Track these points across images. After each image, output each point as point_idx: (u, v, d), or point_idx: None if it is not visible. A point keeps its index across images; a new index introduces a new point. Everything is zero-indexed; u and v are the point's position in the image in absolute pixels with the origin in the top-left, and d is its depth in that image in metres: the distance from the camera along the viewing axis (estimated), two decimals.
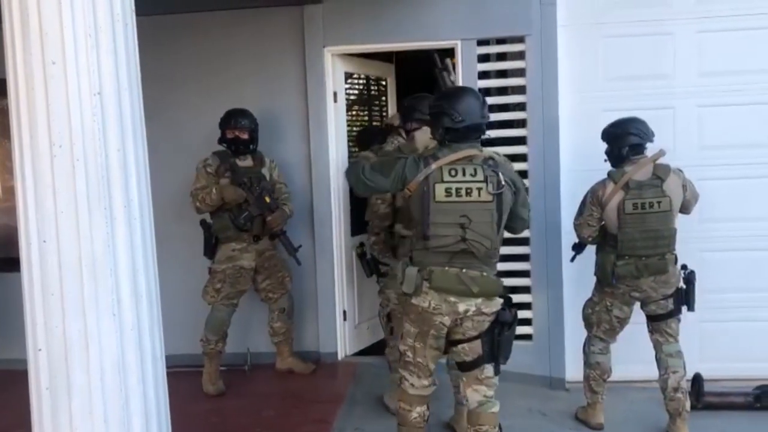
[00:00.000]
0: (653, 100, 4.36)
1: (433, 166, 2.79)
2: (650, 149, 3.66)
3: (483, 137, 2.98)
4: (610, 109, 4.13)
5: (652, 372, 3.74)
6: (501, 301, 2.88)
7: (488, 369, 2.88)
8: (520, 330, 4.52)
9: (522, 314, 4.52)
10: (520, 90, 4.48)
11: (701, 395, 3.99)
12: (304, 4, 4.53)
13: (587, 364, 3.83)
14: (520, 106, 4.48)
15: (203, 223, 4.29)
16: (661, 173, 3.55)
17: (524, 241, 4.51)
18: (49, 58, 1.98)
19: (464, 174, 2.77)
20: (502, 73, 4.72)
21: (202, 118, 4.62)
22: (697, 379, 4.02)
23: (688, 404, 3.64)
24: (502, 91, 4.60)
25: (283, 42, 4.65)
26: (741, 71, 4.35)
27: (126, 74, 2.12)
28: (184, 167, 4.40)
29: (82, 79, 2.01)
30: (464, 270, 2.79)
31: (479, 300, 2.81)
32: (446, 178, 2.77)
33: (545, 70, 4.38)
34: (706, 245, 4.40)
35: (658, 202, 3.52)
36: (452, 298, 2.80)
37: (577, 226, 3.76)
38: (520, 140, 4.49)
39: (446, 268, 2.80)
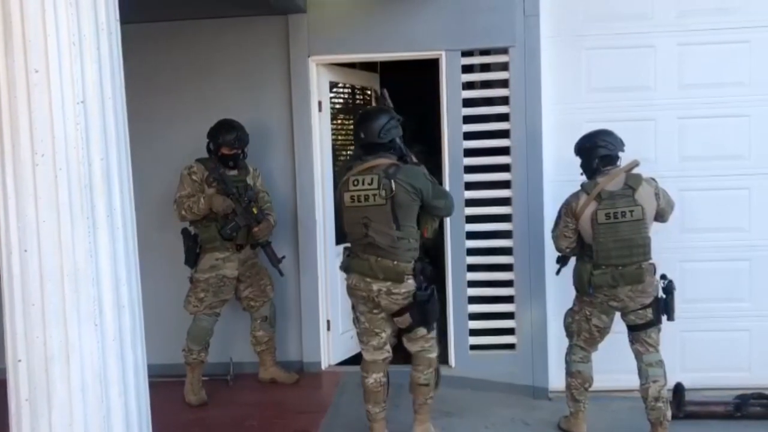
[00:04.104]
0: (635, 111, 4.42)
1: (344, 177, 3.50)
2: (625, 160, 3.70)
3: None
4: (593, 120, 4.17)
5: (634, 381, 3.76)
6: (412, 283, 3.43)
7: (420, 330, 3.54)
8: (504, 339, 4.58)
9: (505, 324, 4.59)
10: (504, 100, 4.52)
11: (682, 404, 4.02)
12: (289, 14, 4.53)
13: (568, 372, 3.86)
14: (504, 117, 4.51)
15: (184, 231, 4.26)
16: (632, 183, 3.60)
17: (507, 251, 4.54)
18: (32, 66, 1.97)
19: (363, 183, 3.41)
20: (486, 84, 4.75)
21: (184, 128, 4.59)
22: (678, 389, 4.05)
23: (669, 413, 3.66)
24: (486, 101, 4.63)
25: (268, 51, 4.64)
26: (720, 84, 4.42)
27: (110, 83, 2.11)
28: (165, 177, 4.38)
29: (66, 87, 2.00)
30: (378, 259, 3.42)
31: (388, 283, 3.43)
32: (351, 187, 3.45)
33: (529, 81, 4.42)
34: (687, 255, 4.45)
35: (631, 212, 3.57)
36: (368, 279, 3.47)
37: (554, 238, 3.82)
38: (504, 150, 4.52)
39: (364, 255, 3.46)
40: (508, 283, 4.57)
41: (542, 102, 4.43)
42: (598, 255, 3.60)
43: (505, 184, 4.53)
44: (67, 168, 2.00)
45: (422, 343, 3.59)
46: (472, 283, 4.60)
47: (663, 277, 3.71)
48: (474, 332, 4.61)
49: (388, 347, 3.65)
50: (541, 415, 4.19)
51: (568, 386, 3.86)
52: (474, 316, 4.61)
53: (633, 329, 3.71)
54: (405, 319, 3.51)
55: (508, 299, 4.57)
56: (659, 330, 3.71)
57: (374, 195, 3.38)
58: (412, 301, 3.45)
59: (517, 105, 4.45)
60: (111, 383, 2.10)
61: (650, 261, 3.64)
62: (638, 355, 3.71)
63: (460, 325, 4.59)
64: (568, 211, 3.69)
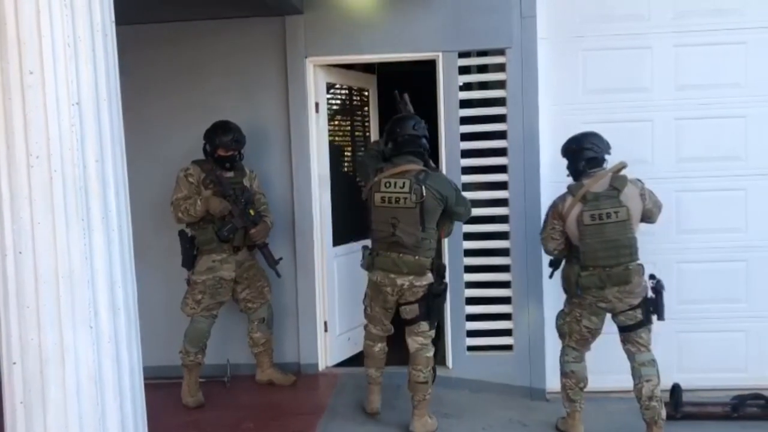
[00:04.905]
0: (632, 112, 4.43)
1: (376, 178, 3.72)
2: (618, 161, 3.70)
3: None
4: (590, 121, 4.17)
5: (629, 382, 3.76)
6: (431, 276, 3.71)
7: (423, 324, 3.76)
8: (501, 340, 4.58)
9: (502, 325, 4.58)
10: (501, 102, 4.52)
11: (679, 405, 4.02)
12: (286, 15, 4.53)
13: (563, 373, 3.87)
14: (501, 118, 4.51)
15: (182, 233, 4.25)
16: (617, 184, 3.61)
17: (505, 252, 4.54)
18: (26, 67, 1.96)
19: (395, 186, 3.66)
20: (483, 85, 4.75)
21: (181, 129, 4.59)
22: (675, 390, 4.06)
23: (663, 412, 3.66)
24: (483, 102, 4.63)
25: (265, 52, 4.64)
26: (717, 85, 4.42)
27: (105, 84, 2.11)
28: (162, 178, 4.37)
29: (61, 89, 1.99)
30: (400, 255, 3.68)
31: (411, 276, 3.69)
32: (383, 188, 3.70)
33: (525, 82, 4.42)
34: (684, 256, 4.46)
35: (616, 212, 3.58)
36: (392, 275, 3.72)
37: (543, 240, 3.84)
38: (501, 151, 4.52)
39: (387, 252, 3.71)
40: (505, 284, 4.57)
41: (539, 103, 4.43)
42: (585, 256, 3.61)
43: (502, 185, 4.52)
44: (62, 170, 2.00)
45: (422, 339, 3.76)
46: (470, 284, 4.60)
47: (652, 276, 3.72)
48: (471, 333, 4.61)
49: (389, 328, 3.94)
50: (539, 416, 4.19)
51: (564, 387, 3.87)
52: (471, 317, 4.61)
53: (623, 330, 3.72)
54: (414, 309, 3.73)
55: (506, 300, 4.57)
56: (650, 330, 3.71)
57: (405, 198, 3.63)
58: (426, 293, 3.70)
59: (514, 106, 4.45)
60: (106, 386, 2.09)
61: (638, 262, 3.64)
62: (630, 356, 3.71)
63: (458, 326, 4.59)
64: (555, 213, 3.72)
